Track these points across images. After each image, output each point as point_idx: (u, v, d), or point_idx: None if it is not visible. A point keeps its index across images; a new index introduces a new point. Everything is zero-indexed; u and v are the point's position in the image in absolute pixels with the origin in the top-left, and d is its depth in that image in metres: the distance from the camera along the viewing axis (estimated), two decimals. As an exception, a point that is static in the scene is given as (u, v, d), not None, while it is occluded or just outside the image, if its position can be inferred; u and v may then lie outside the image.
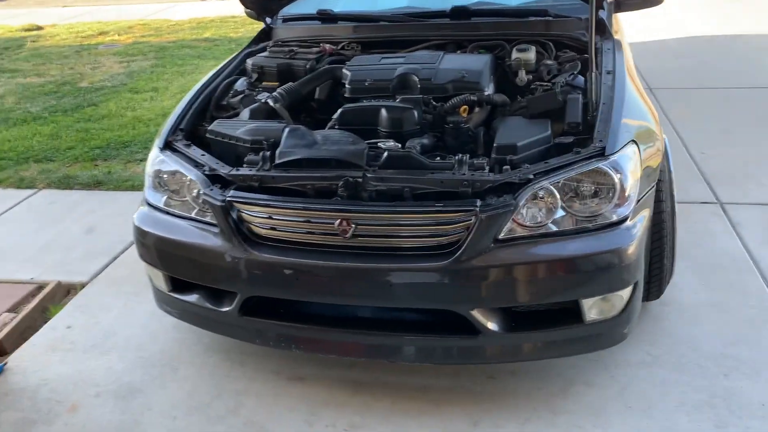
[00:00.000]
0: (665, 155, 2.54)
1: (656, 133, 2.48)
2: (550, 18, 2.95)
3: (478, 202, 2.09)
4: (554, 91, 2.47)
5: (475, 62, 2.69)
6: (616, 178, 2.15)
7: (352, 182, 2.16)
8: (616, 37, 2.96)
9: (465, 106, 2.50)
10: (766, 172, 3.78)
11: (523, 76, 2.73)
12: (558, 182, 2.13)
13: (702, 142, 4.24)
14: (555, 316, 2.21)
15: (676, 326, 2.64)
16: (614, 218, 2.14)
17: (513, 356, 2.28)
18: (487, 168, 2.20)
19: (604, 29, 2.91)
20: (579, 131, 2.35)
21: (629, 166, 2.20)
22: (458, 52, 2.92)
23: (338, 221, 2.12)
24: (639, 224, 2.20)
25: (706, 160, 4.00)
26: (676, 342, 2.55)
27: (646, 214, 2.28)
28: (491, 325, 2.16)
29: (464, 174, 2.15)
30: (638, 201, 2.22)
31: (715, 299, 2.77)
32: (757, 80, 5.29)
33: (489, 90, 2.62)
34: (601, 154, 2.18)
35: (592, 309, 2.18)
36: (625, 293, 2.20)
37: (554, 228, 2.13)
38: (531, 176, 2.13)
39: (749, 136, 4.30)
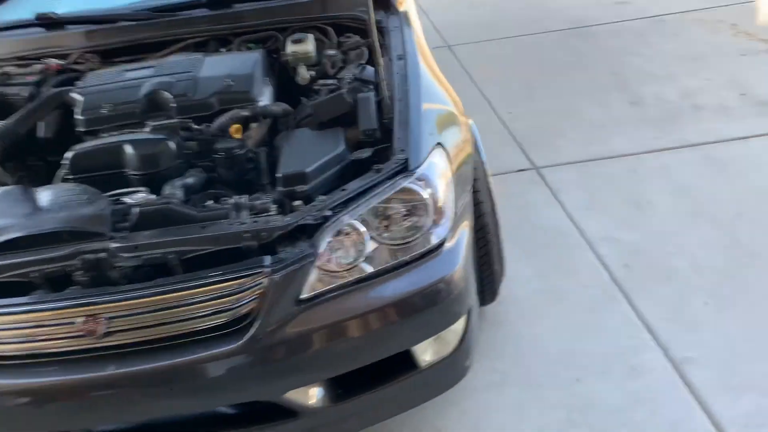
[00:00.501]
0: (475, 144, 2.20)
1: (462, 123, 2.11)
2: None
3: (268, 260, 1.60)
4: (341, 92, 2.01)
5: (242, 64, 2.16)
6: (427, 194, 1.74)
7: (93, 260, 1.58)
8: (401, 8, 2.56)
9: (236, 125, 1.98)
10: (572, 125, 3.62)
11: (304, 74, 2.24)
12: (362, 213, 1.70)
13: (507, 100, 4.02)
14: (386, 370, 1.80)
15: (518, 328, 2.35)
16: (433, 242, 1.75)
17: (348, 427, 1.85)
18: (273, 208, 1.71)
19: (387, 2, 2.49)
20: (377, 139, 1.92)
21: (440, 176, 1.81)
22: (223, 50, 2.37)
23: (81, 319, 1.55)
24: (462, 241, 1.83)
25: (514, 120, 3.78)
26: (521, 350, 2.27)
27: (467, 223, 1.92)
28: (312, 402, 1.72)
29: (245, 222, 1.65)
30: (456, 213, 1.85)
31: (550, 286, 2.52)
32: (546, 23, 5.19)
33: (265, 98, 2.11)
34: (405, 168, 1.77)
35: (426, 352, 1.80)
36: (459, 325, 1.83)
37: (368, 267, 1.70)
38: (329, 212, 1.68)
39: (549, 87, 4.13)
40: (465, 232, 1.88)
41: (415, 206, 1.75)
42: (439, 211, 1.77)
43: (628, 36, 4.72)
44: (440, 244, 1.75)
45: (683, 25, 4.78)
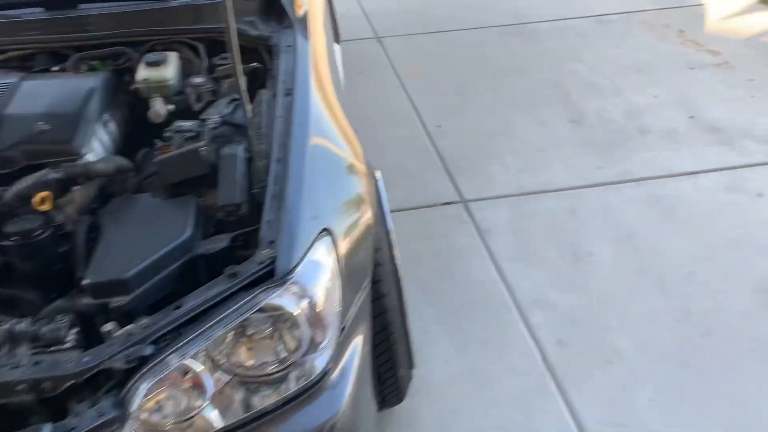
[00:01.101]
0: (380, 207, 1.69)
1: (363, 182, 1.60)
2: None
3: (48, 429, 1.07)
4: (197, 145, 1.46)
5: (69, 95, 1.58)
6: (302, 310, 1.24)
7: None
8: (300, 12, 2.01)
9: (43, 193, 1.41)
10: (507, 146, 3.16)
11: (158, 109, 1.67)
12: (202, 349, 1.18)
13: (437, 109, 3.52)
14: None
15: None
16: (310, 374, 1.25)
17: None
18: (71, 336, 1.17)
19: (279, 9, 1.93)
20: (243, 217, 1.39)
21: (323, 280, 1.30)
22: (54, 69, 1.77)
23: None
24: (352, 365, 1.33)
25: (443, 136, 3.28)
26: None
27: (361, 334, 1.42)
28: None
29: (19, 365, 1.11)
30: (345, 326, 1.35)
31: (473, 368, 2.06)
32: (486, 17, 4.68)
33: (97, 148, 1.54)
34: (272, 273, 1.25)
35: None
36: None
37: (214, 418, 1.18)
38: (149, 348, 1.15)
39: (484, 95, 3.64)
40: (357, 346, 1.38)
41: (283, 327, 1.24)
42: (319, 330, 1.27)
43: (572, 37, 4.26)
44: (320, 377, 1.26)
45: (629, 27, 4.35)
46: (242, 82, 1.36)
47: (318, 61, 1.93)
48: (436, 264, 2.45)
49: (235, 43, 1.33)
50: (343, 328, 1.34)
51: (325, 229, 1.35)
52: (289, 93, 1.64)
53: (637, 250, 2.48)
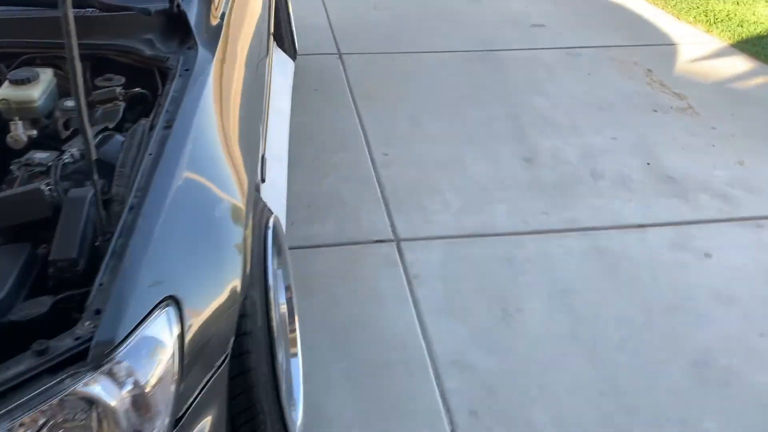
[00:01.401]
0: (262, 259, 1.48)
1: (238, 240, 1.39)
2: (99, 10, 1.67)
3: None
4: (37, 185, 1.25)
5: None
6: (122, 399, 1.03)
7: None
8: (214, 22, 1.81)
9: None
10: (452, 182, 2.97)
11: (17, 135, 1.46)
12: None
13: (387, 135, 3.33)
14: None
15: None
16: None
17: None
18: None
19: (184, 29, 1.72)
20: (79, 276, 1.18)
21: (156, 361, 1.09)
22: None
23: None
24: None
25: (387, 165, 3.09)
26: None
27: (210, 419, 1.22)
28: None
29: None
30: (186, 413, 1.14)
31: (375, 435, 1.87)
32: (453, 41, 4.51)
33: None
34: (86, 353, 1.04)
35: None
36: None
37: None
38: None
39: (438, 123, 3.46)
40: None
41: (101, 417, 1.03)
42: (146, 420, 1.06)
43: (538, 68, 4.10)
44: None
45: (597, 62, 4.20)
46: (84, 112, 1.14)
47: (227, 85, 1.73)
48: (355, 310, 2.25)
49: (76, 62, 1.11)
50: (183, 415, 1.13)
51: (170, 297, 1.14)
52: (168, 126, 1.43)
53: (571, 309, 2.30)
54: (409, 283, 2.39)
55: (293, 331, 1.92)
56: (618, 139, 3.36)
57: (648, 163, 3.16)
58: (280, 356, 1.53)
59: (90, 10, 1.68)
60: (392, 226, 2.68)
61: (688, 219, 2.78)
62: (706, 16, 4.86)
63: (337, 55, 4.20)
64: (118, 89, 1.54)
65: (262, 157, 2.08)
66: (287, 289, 1.89)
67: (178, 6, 1.74)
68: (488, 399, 1.96)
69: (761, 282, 2.47)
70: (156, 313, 1.11)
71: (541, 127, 3.45)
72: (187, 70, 1.62)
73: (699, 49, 4.40)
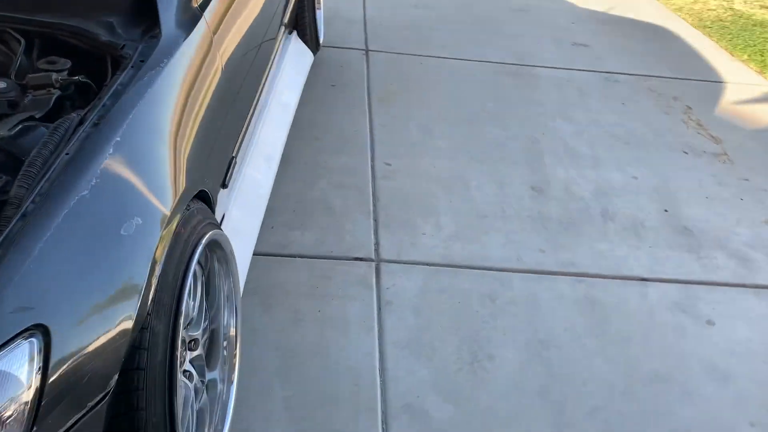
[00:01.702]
0: (180, 283, 1.33)
1: (147, 260, 1.23)
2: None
3: None
4: None
5: None
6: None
7: None
8: (195, 4, 1.67)
9: None
10: (450, 203, 2.78)
11: None
12: None
13: (394, 144, 3.16)
14: None
15: None
16: None
17: None
18: None
19: (151, 14, 1.57)
20: None
21: (1, 402, 0.96)
22: None
23: None
24: None
25: (387, 176, 2.92)
26: None
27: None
28: None
29: None
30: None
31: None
32: (487, 50, 4.29)
33: None
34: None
35: None
36: None
37: None
38: None
39: (451, 138, 3.26)
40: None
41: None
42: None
43: (570, 91, 3.87)
44: None
45: (635, 92, 3.94)
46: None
47: (195, 80, 1.58)
48: (314, 333, 2.10)
49: None
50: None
51: (37, 326, 1.00)
52: (98, 123, 1.29)
53: (548, 363, 2.10)
54: (380, 309, 2.22)
55: (235, 356, 1.78)
56: (639, 178, 3.13)
57: (666, 210, 2.92)
58: (191, 392, 1.39)
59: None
60: (376, 244, 2.52)
61: (697, 278, 2.55)
62: (762, 56, 4.55)
63: (364, 51, 4.04)
64: (55, 75, 1.41)
65: (232, 159, 1.94)
66: (235, 312, 1.75)
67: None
68: (433, 455, 1.79)
69: (763, 361, 2.24)
70: (15, 342, 0.98)
71: (560, 154, 3.23)
72: (142, 61, 1.48)
73: (747, 92, 4.10)
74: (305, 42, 3.55)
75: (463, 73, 3.93)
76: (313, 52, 3.65)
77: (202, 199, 1.65)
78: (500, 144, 3.27)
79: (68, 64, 1.47)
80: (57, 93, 1.39)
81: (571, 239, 2.67)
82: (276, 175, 2.74)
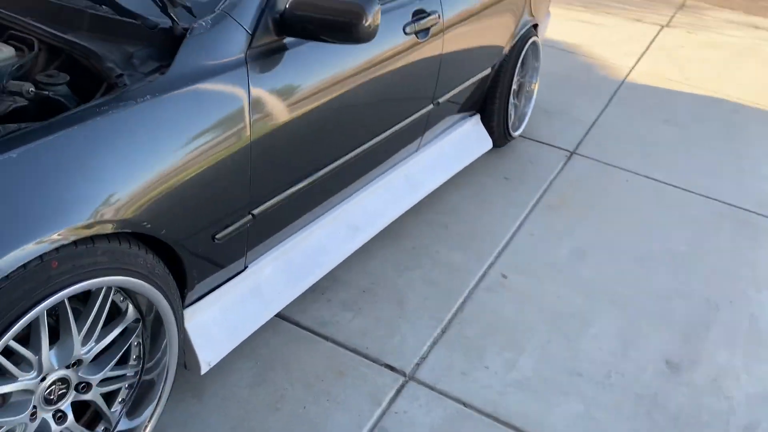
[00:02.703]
0: None
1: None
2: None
3: None
4: None
5: None
6: None
7: None
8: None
9: None
10: (546, 343, 2.22)
11: None
12: None
13: (529, 256, 2.68)
14: None
15: None
16: None
17: None
18: None
19: (169, 52, 1.52)
20: None
21: None
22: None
23: None
24: None
25: (493, 288, 2.45)
26: None
27: None
28: None
29: None
30: None
31: None
32: (715, 187, 3.52)
33: None
34: None
35: None
36: None
37: None
38: None
39: (598, 270, 2.67)
40: None
41: None
42: None
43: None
44: None
45: None
46: None
47: (175, 125, 1.48)
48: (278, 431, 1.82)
49: None
50: None
51: None
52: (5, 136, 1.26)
53: None
54: (368, 433, 1.86)
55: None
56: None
57: None
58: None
59: (104, 8, 1.60)
60: (422, 358, 2.13)
61: None
62: None
63: (568, 154, 3.60)
64: (27, 86, 1.42)
65: (245, 215, 1.78)
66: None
67: (183, 29, 1.56)
68: None
69: None
70: None
71: (736, 334, 2.46)
72: (104, 104, 1.40)
73: None
74: (490, 128, 3.28)
75: (672, 204, 3.26)
76: (498, 140, 3.37)
77: (160, 248, 1.53)
78: (662, 297, 2.60)
79: (65, 79, 1.49)
80: (20, 102, 1.40)
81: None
82: (368, 250, 2.55)
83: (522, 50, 3.23)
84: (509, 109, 3.32)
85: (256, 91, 1.68)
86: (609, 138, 3.86)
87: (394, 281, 2.44)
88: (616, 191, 3.32)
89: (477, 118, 3.23)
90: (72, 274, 1.29)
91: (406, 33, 2.25)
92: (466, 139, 3.11)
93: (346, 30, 1.70)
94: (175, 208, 1.51)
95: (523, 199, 3.10)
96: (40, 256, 1.23)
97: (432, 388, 2.03)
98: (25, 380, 1.34)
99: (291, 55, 1.80)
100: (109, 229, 1.35)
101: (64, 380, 1.42)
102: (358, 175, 2.34)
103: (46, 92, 1.43)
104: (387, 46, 2.17)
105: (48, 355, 1.36)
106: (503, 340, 2.26)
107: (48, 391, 1.40)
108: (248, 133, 1.67)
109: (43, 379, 1.37)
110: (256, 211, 1.81)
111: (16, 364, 1.32)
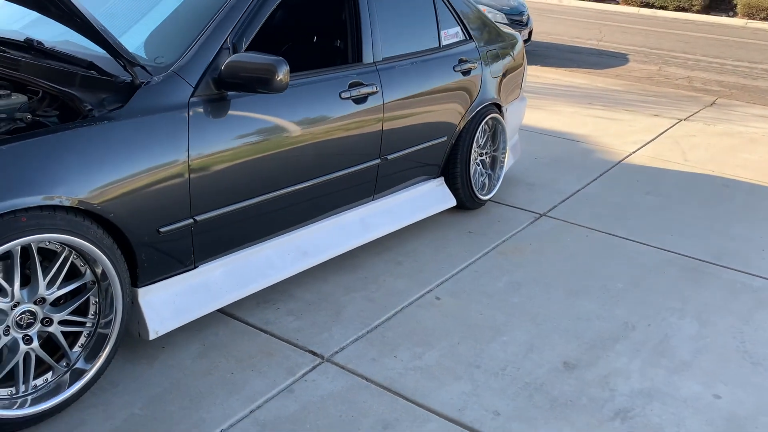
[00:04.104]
0: None
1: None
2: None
3: None
4: None
5: None
6: None
7: None
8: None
9: None
10: (452, 345, 2.61)
11: None
12: None
13: (467, 288, 3.11)
14: None
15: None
16: None
17: None
18: None
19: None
20: None
21: None
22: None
23: None
24: None
25: (424, 306, 2.89)
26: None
27: None
28: None
29: None
30: None
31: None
32: (681, 241, 3.78)
33: None
34: None
35: None
36: None
37: None
38: None
39: (529, 300, 3.04)
40: None
41: None
42: None
43: (746, 301, 3.19)
44: None
45: None
46: None
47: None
48: (204, 387, 2.30)
49: None
50: None
51: None
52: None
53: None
54: (275, 395, 2.30)
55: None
56: (723, 399, 2.43)
57: (714, 439, 2.21)
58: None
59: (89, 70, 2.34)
60: (341, 348, 2.56)
61: None
62: None
63: (537, 215, 4.02)
64: (27, 115, 2.15)
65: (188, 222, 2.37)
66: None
67: (140, 82, 2.26)
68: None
69: None
70: None
71: (644, 348, 2.73)
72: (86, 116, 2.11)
73: None
74: (455, 189, 3.79)
75: (624, 254, 3.59)
76: (467, 202, 3.86)
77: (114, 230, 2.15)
78: (582, 318, 2.92)
79: (55, 114, 2.20)
80: (21, 124, 2.12)
81: (540, 421, 2.27)
82: (323, 275, 3.06)
83: (478, 125, 3.79)
84: (472, 175, 3.83)
85: (195, 126, 2.34)
86: (584, 205, 4.25)
87: (339, 298, 2.93)
88: (572, 244, 3.69)
89: (441, 179, 3.77)
90: (36, 228, 1.92)
91: (342, 98, 2.90)
92: (427, 196, 3.65)
93: (264, 83, 2.36)
94: (122, 200, 2.15)
95: (479, 248, 3.54)
96: (14, 212, 1.88)
97: (342, 367, 2.47)
98: (1, 303, 1.95)
99: (233, 105, 2.47)
100: (67, 203, 1.99)
101: (32, 313, 2.02)
102: (310, 209, 2.92)
103: (39, 119, 2.14)
104: (322, 106, 2.82)
105: (19, 289, 1.97)
106: (417, 340, 2.67)
107: (19, 317, 2.00)
108: (186, 155, 2.30)
109: (15, 306, 1.98)
110: (198, 218, 2.41)
111: (-5, 292, 1.94)
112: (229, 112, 2.47)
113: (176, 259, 2.42)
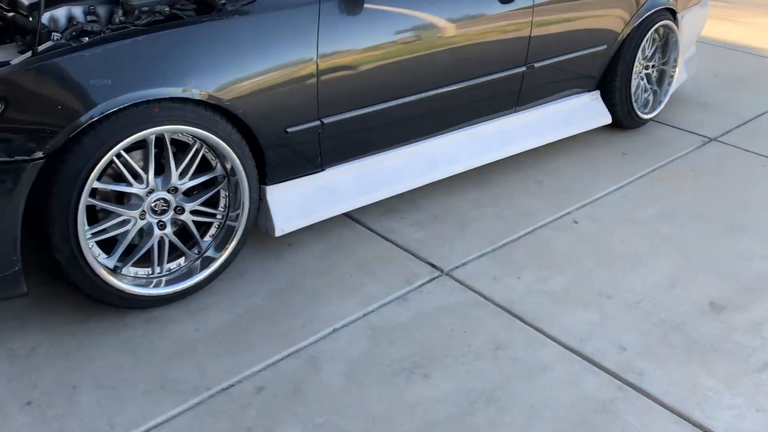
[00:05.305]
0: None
1: None
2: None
3: None
4: None
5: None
6: None
7: None
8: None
9: None
10: (581, 272, 2.45)
11: None
12: None
13: (608, 214, 2.87)
14: None
15: None
16: None
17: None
18: None
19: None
20: None
21: None
22: None
23: None
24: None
25: (559, 228, 2.71)
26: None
27: None
28: None
29: None
30: None
31: None
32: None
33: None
34: None
35: None
36: None
37: None
38: None
39: (672, 227, 2.75)
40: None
41: None
42: None
43: None
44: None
45: None
46: None
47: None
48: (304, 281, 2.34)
49: None
50: None
51: None
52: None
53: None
54: (382, 307, 2.29)
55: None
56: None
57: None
58: None
59: None
60: (463, 264, 2.49)
61: None
62: None
63: (706, 140, 3.60)
64: (166, 8, 2.19)
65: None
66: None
67: None
68: None
69: None
70: None
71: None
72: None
73: None
74: (612, 106, 3.47)
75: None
76: (625, 121, 3.53)
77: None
78: (740, 256, 2.60)
79: (192, 7, 2.23)
80: (159, 17, 2.17)
81: (671, 362, 2.06)
82: (452, 188, 2.97)
83: (645, 34, 3.39)
84: (633, 91, 3.47)
85: (326, 22, 2.28)
86: (765, 132, 3.73)
87: (466, 213, 2.83)
88: (743, 174, 3.28)
89: (596, 93, 3.45)
90: (168, 119, 2.00)
91: (487, -5, 2.68)
92: (578, 111, 3.36)
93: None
94: (250, 97, 2.16)
95: (632, 171, 3.25)
96: (147, 102, 1.96)
97: (461, 283, 2.40)
98: (137, 188, 2.07)
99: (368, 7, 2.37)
100: (197, 96, 2.04)
101: (165, 201, 2.14)
102: (443, 118, 2.80)
103: (175, 12, 2.19)
104: (465, 4, 2.63)
105: (153, 177, 2.08)
106: (546, 263, 2.53)
107: (154, 203, 2.12)
108: (315, 52, 2.26)
109: (150, 192, 2.10)
110: (326, 120, 2.39)
111: (134, 177, 2.06)
112: (365, 5, 2.38)
113: (304, 161, 2.44)
